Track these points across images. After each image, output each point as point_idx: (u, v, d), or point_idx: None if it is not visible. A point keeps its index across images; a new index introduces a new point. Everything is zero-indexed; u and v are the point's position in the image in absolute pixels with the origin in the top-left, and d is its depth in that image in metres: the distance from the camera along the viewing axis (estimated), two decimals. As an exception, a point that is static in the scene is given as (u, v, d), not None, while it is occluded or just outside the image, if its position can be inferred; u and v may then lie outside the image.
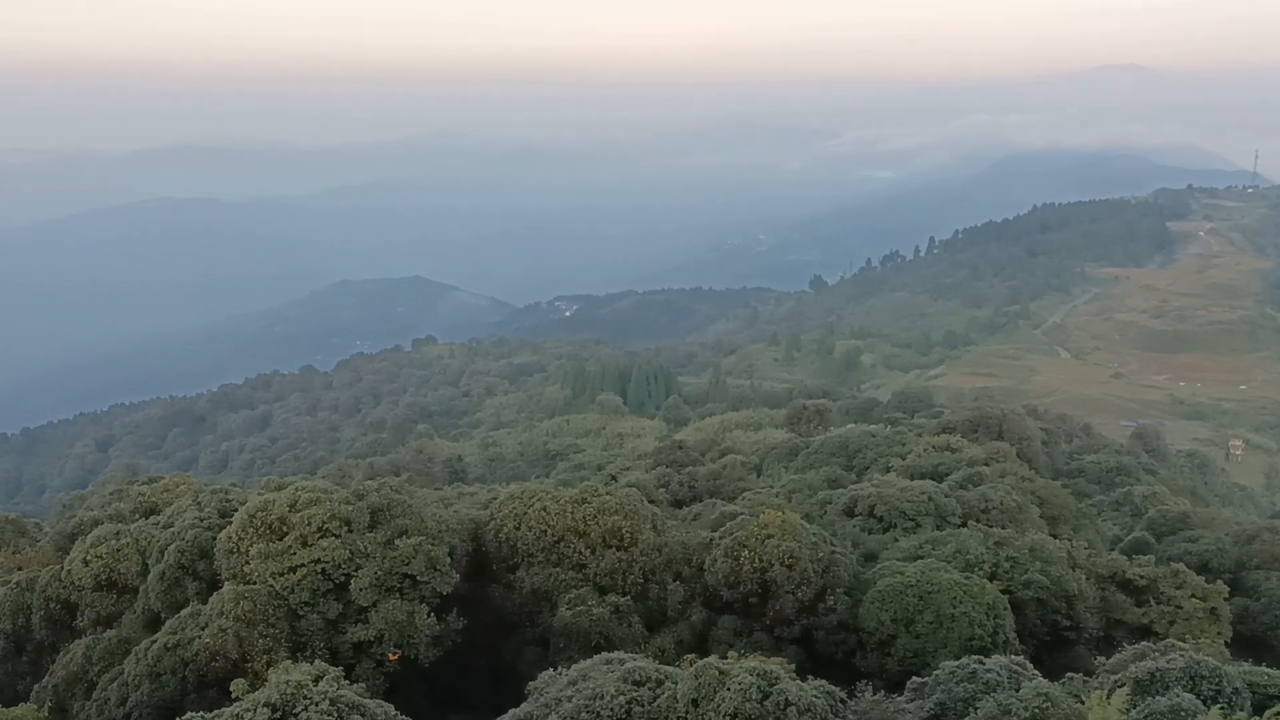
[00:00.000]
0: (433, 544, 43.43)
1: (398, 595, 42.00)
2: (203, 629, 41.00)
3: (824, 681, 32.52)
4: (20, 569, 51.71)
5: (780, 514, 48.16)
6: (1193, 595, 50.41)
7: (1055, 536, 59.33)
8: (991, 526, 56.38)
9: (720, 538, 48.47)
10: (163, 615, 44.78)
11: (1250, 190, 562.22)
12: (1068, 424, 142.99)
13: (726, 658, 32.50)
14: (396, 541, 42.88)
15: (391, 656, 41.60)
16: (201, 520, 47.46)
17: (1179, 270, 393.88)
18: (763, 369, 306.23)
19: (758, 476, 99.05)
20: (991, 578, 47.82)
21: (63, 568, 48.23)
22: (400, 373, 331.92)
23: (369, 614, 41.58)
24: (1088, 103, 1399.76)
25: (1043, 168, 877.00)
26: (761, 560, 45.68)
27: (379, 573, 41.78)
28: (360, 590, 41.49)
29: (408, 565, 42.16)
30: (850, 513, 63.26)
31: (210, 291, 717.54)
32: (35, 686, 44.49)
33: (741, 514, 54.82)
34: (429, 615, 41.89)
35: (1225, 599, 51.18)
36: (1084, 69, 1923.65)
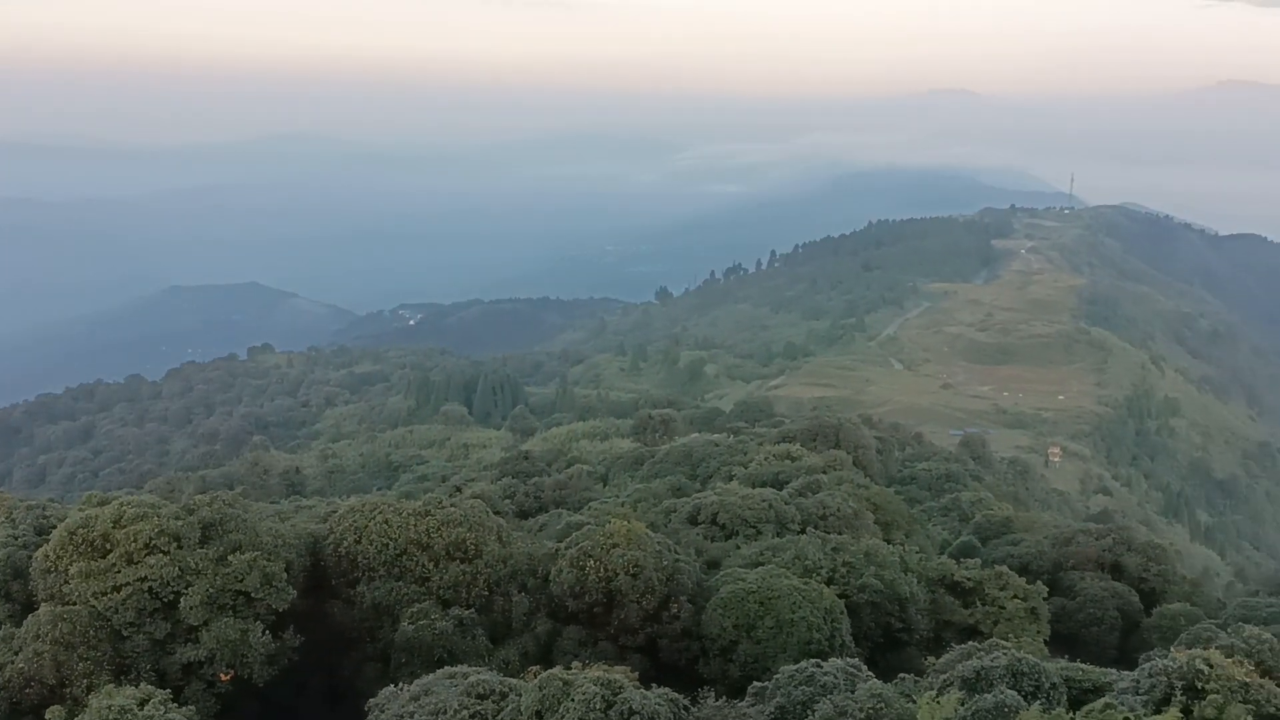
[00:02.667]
0: (268, 559, 42.18)
1: (231, 613, 40.65)
2: (16, 654, 38.79)
3: (668, 689, 32.98)
4: None
5: (625, 523, 48.44)
6: (1015, 596, 52.89)
7: (889, 541, 61.39)
8: (829, 533, 57.91)
9: (566, 548, 48.46)
10: (-29, 640, 42.07)
11: (1067, 211, 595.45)
12: (900, 433, 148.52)
13: (571, 668, 32.55)
14: (229, 557, 41.48)
15: (223, 676, 40.18)
16: (15, 538, 45.12)
17: (1002, 286, 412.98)
18: (610, 379, 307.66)
19: (604, 486, 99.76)
20: (829, 582, 49.21)
21: None
22: (235, 382, 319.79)
23: (200, 633, 40.10)
24: (921, 124, 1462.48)
25: (879, 185, 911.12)
26: (607, 570, 45.86)
27: (211, 590, 40.38)
28: (190, 609, 39.97)
29: (241, 582, 40.87)
30: (694, 521, 64.11)
31: (29, 295, 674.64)
32: None
33: (587, 524, 54.98)
34: (264, 633, 40.67)
35: (1044, 599, 53.86)
36: (918, 92, 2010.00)
